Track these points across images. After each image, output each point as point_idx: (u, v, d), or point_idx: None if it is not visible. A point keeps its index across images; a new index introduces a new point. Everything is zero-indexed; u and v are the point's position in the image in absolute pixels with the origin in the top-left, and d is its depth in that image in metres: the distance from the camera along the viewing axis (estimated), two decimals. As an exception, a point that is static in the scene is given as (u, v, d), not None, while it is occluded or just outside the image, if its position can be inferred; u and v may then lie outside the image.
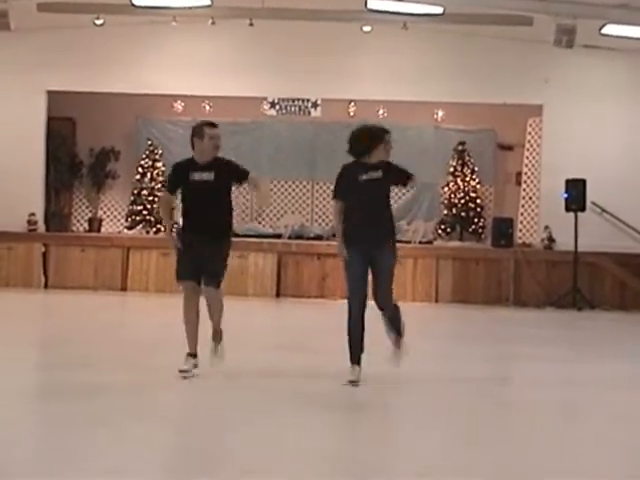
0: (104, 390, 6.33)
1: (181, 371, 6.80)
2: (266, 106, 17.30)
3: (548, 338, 11.17)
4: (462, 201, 17.39)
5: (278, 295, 15.18)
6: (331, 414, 5.98)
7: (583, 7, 13.63)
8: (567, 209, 14.84)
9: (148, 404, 6.02)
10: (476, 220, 17.39)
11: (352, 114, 17.41)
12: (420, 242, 16.40)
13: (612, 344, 10.97)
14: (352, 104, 17.43)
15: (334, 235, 7.84)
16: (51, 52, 15.94)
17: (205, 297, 6.99)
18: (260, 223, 17.72)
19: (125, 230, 17.41)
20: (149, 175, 17.42)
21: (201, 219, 6.98)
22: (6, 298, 13.93)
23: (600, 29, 14.52)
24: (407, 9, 14.61)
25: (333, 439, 5.38)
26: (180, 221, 7.24)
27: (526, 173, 17.35)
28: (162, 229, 16.47)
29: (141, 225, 17.27)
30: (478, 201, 17.48)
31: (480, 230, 17.36)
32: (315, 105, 17.08)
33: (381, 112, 17.21)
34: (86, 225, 17.89)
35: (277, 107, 17.25)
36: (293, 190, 18.09)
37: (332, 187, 7.19)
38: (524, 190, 17.37)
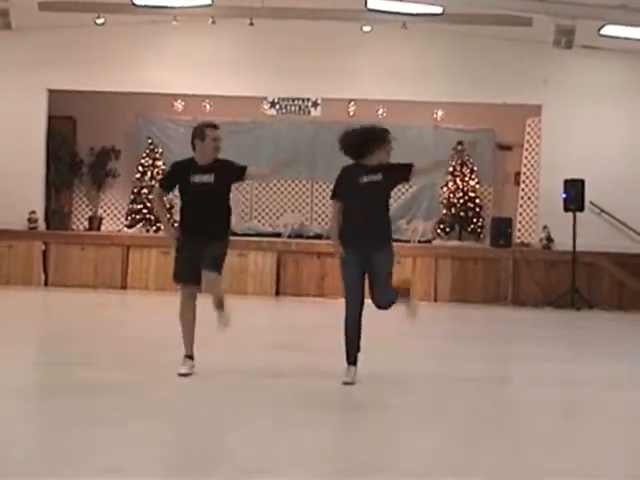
0: (104, 389, 6.32)
1: (180, 374, 6.81)
2: (266, 105, 17.31)
3: (546, 338, 11.19)
4: (461, 201, 17.40)
5: (277, 294, 15.22)
6: (330, 414, 5.99)
7: (582, 8, 13.66)
8: (566, 209, 14.87)
9: (148, 403, 6.01)
10: (475, 220, 17.41)
11: (352, 114, 17.44)
12: (419, 241, 16.44)
13: (610, 344, 10.99)
14: (352, 104, 17.46)
15: (328, 237, 7.82)
16: (52, 51, 15.95)
17: (205, 284, 6.87)
18: (260, 222, 17.75)
19: (125, 228, 17.42)
20: (149, 174, 17.43)
21: (200, 221, 6.95)
22: (6, 296, 13.96)
23: (599, 30, 14.55)
24: (407, 9, 14.63)
25: (332, 439, 5.38)
26: (178, 221, 7.20)
27: (525, 173, 17.37)
28: (162, 227, 16.48)
29: (141, 224, 17.29)
30: (477, 201, 17.50)
31: (479, 230, 17.38)
32: (315, 105, 17.10)
33: (381, 112, 17.23)
34: (86, 223, 17.91)
35: (277, 106, 17.26)
36: (293, 189, 18.11)
37: (331, 186, 7.17)
38: (523, 190, 17.39)
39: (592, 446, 5.29)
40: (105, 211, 18.21)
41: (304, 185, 18.09)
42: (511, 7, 13.93)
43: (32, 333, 10.05)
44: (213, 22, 15.35)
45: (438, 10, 14.59)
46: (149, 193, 17.20)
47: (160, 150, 17.64)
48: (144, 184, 17.33)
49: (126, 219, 17.56)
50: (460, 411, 6.19)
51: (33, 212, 16.04)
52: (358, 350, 6.88)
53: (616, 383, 7.63)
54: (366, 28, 15.49)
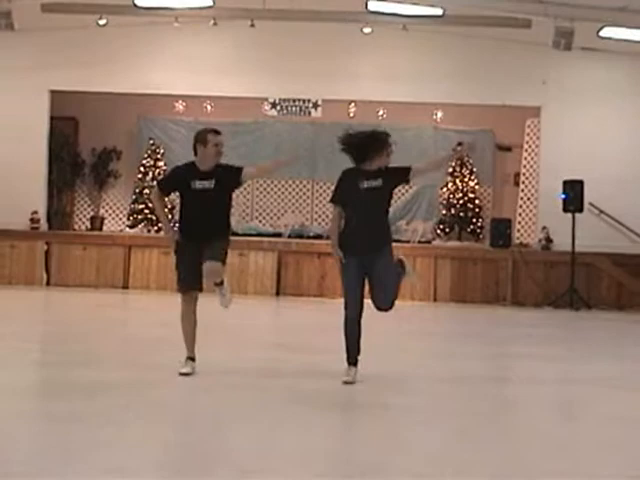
0: (105, 388, 6.32)
1: (182, 374, 6.83)
2: (267, 106, 17.36)
3: (545, 337, 11.22)
4: (461, 201, 17.46)
5: (278, 294, 15.28)
6: (330, 413, 5.99)
7: (581, 10, 13.73)
8: (565, 210, 14.92)
9: (149, 402, 5.99)
10: (474, 220, 17.46)
11: (352, 115, 17.50)
12: (419, 242, 16.49)
13: (609, 344, 11.00)
14: (352, 105, 17.51)
15: (328, 237, 7.84)
16: (54, 52, 16.03)
17: (206, 273, 6.76)
18: (260, 222, 17.80)
19: (127, 229, 17.48)
20: (151, 174, 17.48)
21: (200, 226, 6.92)
22: (8, 296, 14.00)
23: (598, 32, 14.61)
24: (407, 11, 14.71)
25: (332, 438, 5.38)
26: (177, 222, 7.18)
27: (524, 174, 17.41)
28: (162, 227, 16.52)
29: (142, 224, 17.34)
30: (477, 201, 17.55)
31: (478, 230, 17.43)
32: (315, 106, 17.15)
33: (381, 113, 17.29)
34: (88, 224, 17.97)
35: (278, 107, 17.30)
36: (293, 189, 18.16)
37: (332, 187, 7.17)
38: (522, 191, 17.43)
39: (591, 446, 5.28)
40: (107, 211, 18.27)
41: (304, 185, 18.14)
42: (511, 9, 14.00)
43: (34, 332, 10.03)
44: (214, 23, 15.40)
45: (438, 12, 14.65)
46: (150, 193, 17.25)
47: (161, 151, 17.70)
48: (145, 184, 17.39)
49: (128, 219, 17.61)
50: (460, 411, 6.18)
51: (35, 212, 16.11)
52: (359, 351, 6.91)
53: (615, 383, 7.61)
54: (366, 30, 15.54)
